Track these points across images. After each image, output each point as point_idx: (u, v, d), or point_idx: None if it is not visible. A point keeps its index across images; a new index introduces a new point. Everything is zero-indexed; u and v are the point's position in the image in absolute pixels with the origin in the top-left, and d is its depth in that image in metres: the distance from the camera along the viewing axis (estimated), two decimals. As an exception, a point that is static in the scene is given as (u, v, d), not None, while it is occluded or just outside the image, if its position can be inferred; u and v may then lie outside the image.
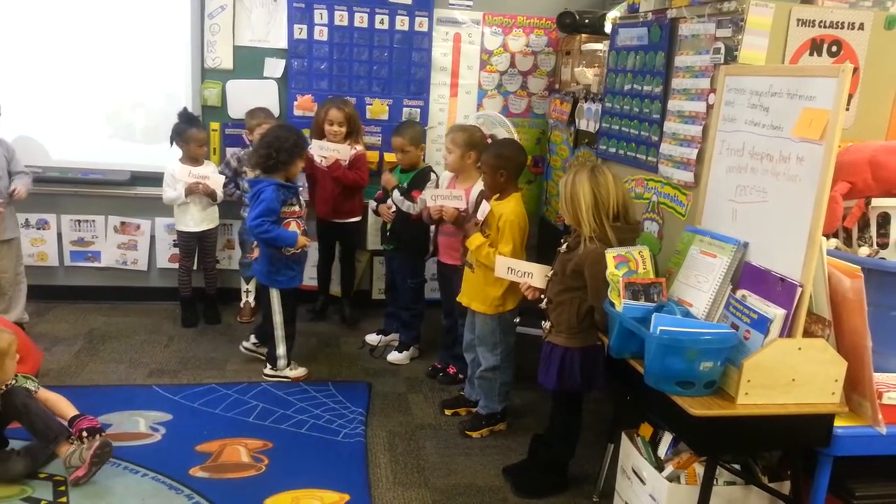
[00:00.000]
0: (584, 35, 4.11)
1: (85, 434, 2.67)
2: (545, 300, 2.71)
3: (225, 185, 4.20)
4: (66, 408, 2.79)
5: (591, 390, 2.67)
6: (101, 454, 2.63)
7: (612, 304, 2.30)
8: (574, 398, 2.73)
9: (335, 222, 4.25)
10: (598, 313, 2.47)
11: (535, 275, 2.80)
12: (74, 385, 3.41)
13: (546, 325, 2.68)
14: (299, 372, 3.64)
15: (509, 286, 3.01)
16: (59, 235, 4.45)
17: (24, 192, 3.73)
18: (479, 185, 3.35)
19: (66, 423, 2.73)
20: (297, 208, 3.54)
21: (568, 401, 2.73)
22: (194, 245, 4.28)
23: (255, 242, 3.63)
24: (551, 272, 2.69)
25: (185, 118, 4.13)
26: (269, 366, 3.63)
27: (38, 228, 4.41)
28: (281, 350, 3.59)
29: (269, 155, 3.38)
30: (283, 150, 3.38)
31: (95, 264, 4.52)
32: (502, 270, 2.90)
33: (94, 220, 4.46)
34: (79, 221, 4.46)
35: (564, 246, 2.62)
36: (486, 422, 3.21)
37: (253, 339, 3.84)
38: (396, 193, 3.75)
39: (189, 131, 4.08)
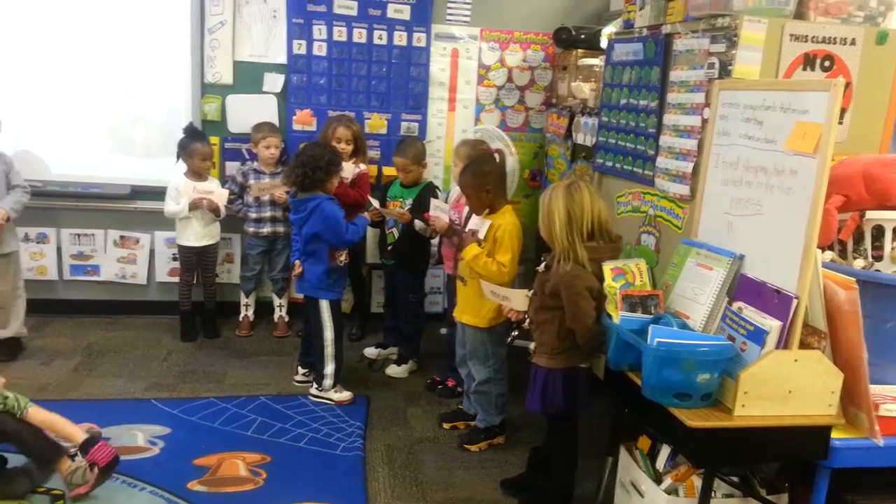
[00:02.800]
0: (580, 50, 4.15)
1: (97, 468, 2.59)
2: (528, 320, 2.71)
3: (231, 201, 4.24)
4: (63, 427, 2.68)
5: (577, 413, 2.64)
6: (105, 475, 2.61)
7: (610, 317, 2.31)
8: (568, 421, 2.69)
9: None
10: (580, 337, 2.46)
11: (512, 299, 2.81)
12: (73, 399, 3.41)
13: (532, 345, 2.67)
14: (344, 396, 3.53)
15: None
16: (59, 249, 4.46)
17: (3, 216, 3.59)
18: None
19: (73, 444, 2.65)
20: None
21: (563, 425, 2.69)
22: (195, 260, 4.29)
23: (296, 261, 3.60)
24: (531, 293, 2.67)
25: (191, 132, 4.16)
26: (315, 385, 3.57)
27: (38, 242, 4.42)
28: (329, 369, 3.50)
29: (304, 174, 3.36)
30: (318, 168, 3.37)
31: (95, 278, 4.53)
32: (487, 292, 2.92)
33: (93, 234, 4.48)
34: (78, 235, 4.47)
35: (543, 265, 2.60)
36: (485, 435, 3.21)
37: (301, 370, 3.76)
38: (419, 223, 3.71)
39: (193, 145, 4.11)
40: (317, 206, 3.38)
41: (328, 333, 3.49)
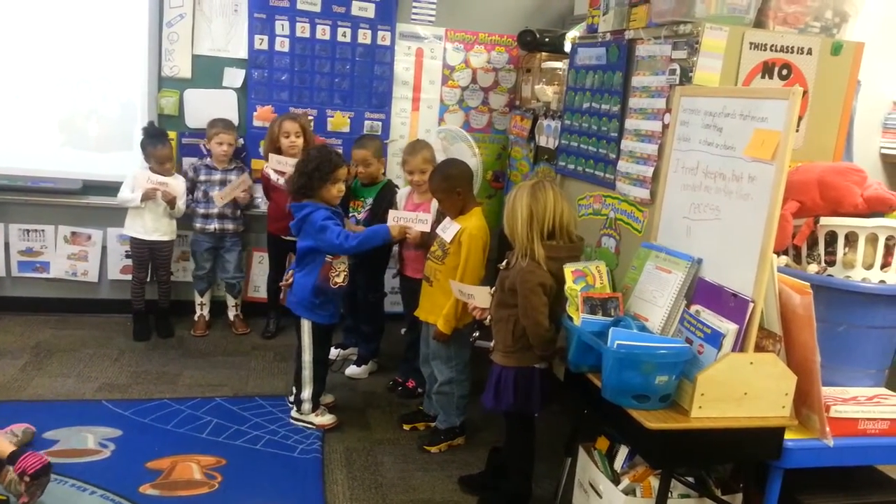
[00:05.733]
0: (544, 53, 4.17)
1: (27, 479, 2.43)
2: (488, 318, 2.73)
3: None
4: None
5: (531, 412, 2.65)
6: (36, 485, 2.46)
7: (571, 319, 2.32)
8: (522, 419, 2.69)
9: (288, 239, 4.19)
10: (531, 334, 2.47)
11: (476, 296, 2.83)
12: (20, 399, 3.30)
13: (492, 343, 2.69)
14: (326, 420, 3.29)
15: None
16: (7, 245, 4.31)
17: None
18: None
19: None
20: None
21: (520, 423, 2.70)
22: (146, 255, 4.18)
23: (290, 270, 3.37)
24: (494, 290, 2.70)
25: (149, 133, 4.05)
26: (295, 408, 3.34)
27: (-16, 237, 4.27)
28: (306, 393, 3.26)
29: (295, 180, 3.16)
30: (304, 174, 3.13)
31: (44, 275, 4.38)
32: (455, 291, 2.94)
33: (43, 230, 4.33)
34: (27, 231, 4.33)
35: (504, 262, 2.63)
36: (445, 436, 3.20)
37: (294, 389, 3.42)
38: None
39: (149, 148, 4.01)
40: (306, 215, 3.13)
41: (307, 356, 3.25)
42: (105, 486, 2.67)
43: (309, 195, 3.15)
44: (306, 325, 3.24)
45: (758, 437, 2.02)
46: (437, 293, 3.11)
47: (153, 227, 4.11)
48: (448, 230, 3.07)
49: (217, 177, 4.19)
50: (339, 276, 3.21)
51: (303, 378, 3.27)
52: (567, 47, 3.71)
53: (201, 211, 4.21)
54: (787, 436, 2.03)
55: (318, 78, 4.44)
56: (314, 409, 3.30)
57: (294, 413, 3.33)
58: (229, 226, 4.26)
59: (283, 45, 4.35)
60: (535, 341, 2.48)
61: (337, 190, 3.19)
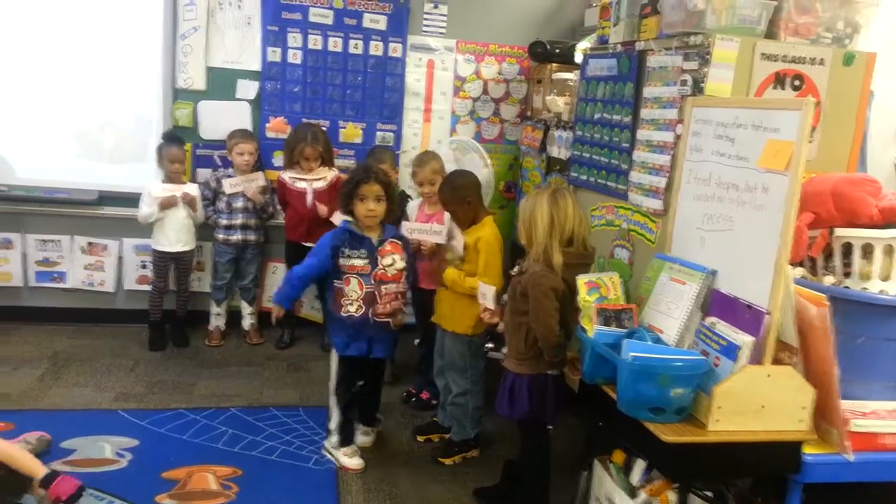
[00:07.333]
0: (554, 64, 4.19)
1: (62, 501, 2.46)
2: (501, 324, 2.73)
3: (204, 207, 4.23)
4: (25, 461, 2.51)
5: (545, 420, 2.65)
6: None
7: (584, 330, 2.32)
8: (536, 427, 2.69)
9: (308, 246, 4.21)
10: (540, 338, 2.48)
11: (488, 295, 2.84)
12: (38, 409, 3.33)
13: (504, 350, 2.69)
14: (353, 463, 3.03)
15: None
16: (24, 255, 4.36)
17: None
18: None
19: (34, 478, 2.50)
20: (358, 262, 2.92)
21: (535, 431, 2.70)
22: (168, 266, 4.22)
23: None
24: (506, 296, 2.71)
25: (167, 136, 4.14)
26: (328, 436, 3.16)
27: (2, 247, 4.31)
28: (332, 423, 3.07)
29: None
30: (340, 191, 3.04)
31: (61, 285, 4.43)
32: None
33: (60, 240, 4.38)
34: (44, 241, 4.38)
35: (516, 268, 2.65)
36: (459, 448, 3.20)
37: (361, 427, 3.26)
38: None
39: (165, 148, 4.08)
40: None
41: (331, 383, 3.09)
42: (121, 496, 2.69)
43: (350, 213, 2.98)
44: (333, 350, 3.09)
45: (776, 451, 2.00)
46: (452, 297, 3.11)
47: (176, 238, 4.16)
48: (458, 241, 3.09)
49: (240, 188, 4.23)
50: (352, 305, 2.92)
51: (329, 405, 3.12)
52: (578, 58, 3.72)
53: (224, 222, 4.24)
54: (806, 450, 2.01)
55: (331, 89, 4.47)
56: (342, 443, 3.07)
57: (325, 443, 3.15)
58: (252, 237, 4.30)
59: (295, 57, 4.39)
60: (545, 345, 2.48)
61: (365, 209, 2.91)
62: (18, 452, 2.56)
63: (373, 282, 2.93)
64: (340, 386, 3.07)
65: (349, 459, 3.05)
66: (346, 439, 3.09)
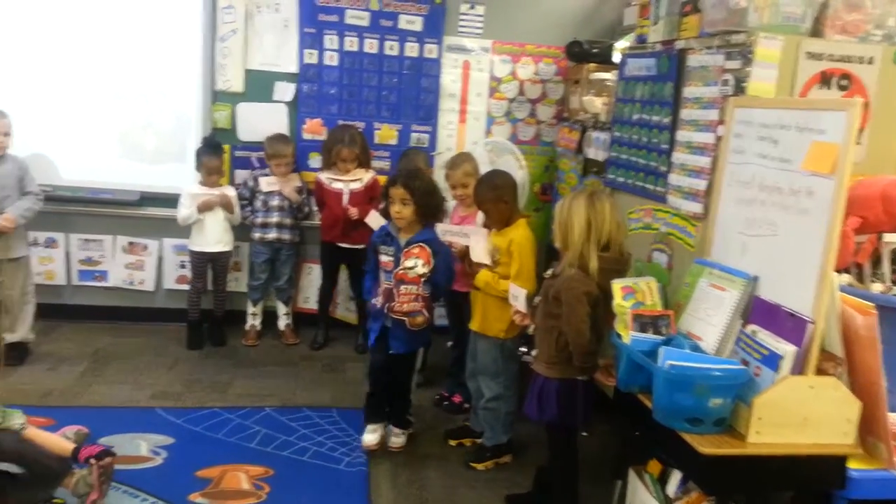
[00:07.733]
0: (592, 64, 4.13)
1: (93, 461, 2.55)
2: (532, 327, 2.70)
3: (241, 207, 4.27)
4: (60, 444, 2.62)
5: (574, 425, 2.61)
6: (106, 470, 2.57)
7: (620, 336, 2.27)
8: (565, 432, 2.65)
9: (343, 247, 4.25)
10: (571, 342, 2.44)
11: (519, 298, 2.82)
12: (78, 405, 3.40)
13: (535, 352, 2.66)
14: (364, 439, 3.19)
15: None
16: (67, 254, 4.46)
17: (9, 225, 3.58)
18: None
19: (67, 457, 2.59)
20: (386, 259, 3.05)
21: (563, 436, 2.65)
22: (206, 266, 4.28)
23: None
24: (538, 298, 2.67)
25: (207, 142, 4.21)
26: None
27: (47, 247, 4.42)
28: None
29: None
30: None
31: (102, 284, 4.52)
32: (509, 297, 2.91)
33: (102, 240, 4.47)
34: (87, 240, 4.47)
35: (550, 271, 2.61)
36: (491, 454, 3.16)
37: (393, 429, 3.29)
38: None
39: (203, 157, 4.15)
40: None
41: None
42: (156, 494, 2.72)
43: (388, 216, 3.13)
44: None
45: (819, 465, 1.93)
46: (487, 300, 3.08)
47: (214, 238, 4.22)
48: (487, 243, 3.05)
49: (276, 187, 4.27)
50: (378, 297, 3.06)
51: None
52: (616, 58, 3.66)
53: (260, 220, 4.28)
54: (852, 465, 1.93)
55: (366, 91, 4.48)
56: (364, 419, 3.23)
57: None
58: (286, 236, 4.32)
59: (332, 58, 4.41)
60: (576, 351, 2.45)
61: (392, 211, 3.02)
62: (51, 437, 2.66)
63: (393, 280, 2.99)
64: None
65: (364, 435, 3.19)
66: (367, 416, 3.21)
